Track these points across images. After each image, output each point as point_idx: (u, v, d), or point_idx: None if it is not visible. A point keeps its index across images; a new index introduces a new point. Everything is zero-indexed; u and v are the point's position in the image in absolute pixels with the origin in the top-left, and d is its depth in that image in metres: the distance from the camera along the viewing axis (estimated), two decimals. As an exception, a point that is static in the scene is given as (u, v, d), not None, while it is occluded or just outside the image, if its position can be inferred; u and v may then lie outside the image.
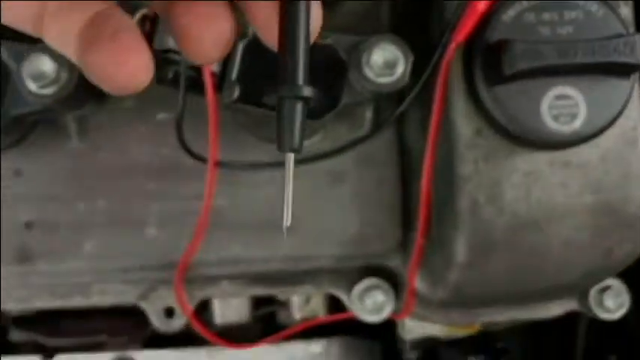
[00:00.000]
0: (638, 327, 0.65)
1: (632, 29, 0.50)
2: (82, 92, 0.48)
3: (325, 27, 0.46)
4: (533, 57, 0.45)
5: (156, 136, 0.52)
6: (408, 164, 0.54)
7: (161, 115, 0.52)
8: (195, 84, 0.45)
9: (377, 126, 0.53)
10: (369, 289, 0.56)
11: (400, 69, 0.45)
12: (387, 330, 0.66)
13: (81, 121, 0.52)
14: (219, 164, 0.48)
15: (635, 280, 0.58)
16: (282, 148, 0.36)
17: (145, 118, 0.52)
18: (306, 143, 0.51)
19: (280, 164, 0.50)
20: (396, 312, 0.57)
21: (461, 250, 0.50)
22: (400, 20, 0.53)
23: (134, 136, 0.52)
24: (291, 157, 0.31)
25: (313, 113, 0.46)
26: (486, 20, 0.47)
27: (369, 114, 0.53)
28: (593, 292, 0.58)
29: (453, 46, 0.47)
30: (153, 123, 0.52)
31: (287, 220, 0.36)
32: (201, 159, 0.48)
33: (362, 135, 0.53)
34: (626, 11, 0.50)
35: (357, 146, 0.52)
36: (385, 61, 0.45)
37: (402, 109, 0.50)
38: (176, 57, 0.44)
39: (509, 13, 0.47)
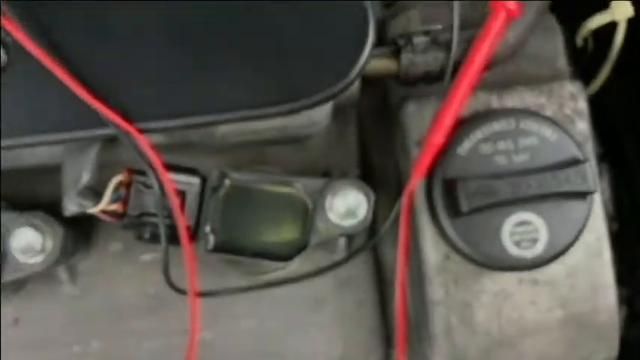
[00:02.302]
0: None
1: (588, 145, 0.51)
2: (69, 250, 0.51)
3: (292, 166, 0.50)
4: (486, 194, 0.47)
5: (141, 277, 0.55)
6: (385, 284, 0.56)
7: (145, 256, 0.55)
8: (173, 237, 0.48)
9: (351, 252, 0.55)
10: (357, 406, 0.58)
11: (362, 213, 0.47)
12: None
13: (71, 268, 0.55)
14: (200, 294, 0.50)
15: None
16: None
17: (131, 259, 0.55)
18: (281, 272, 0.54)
19: (257, 287, 0.53)
20: None
21: (439, 370, 0.52)
22: (366, 150, 0.56)
23: (121, 277, 0.55)
24: None
25: (283, 256, 0.49)
26: (444, 154, 0.49)
27: (342, 241, 0.55)
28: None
29: (413, 181, 0.49)
30: (138, 264, 0.55)
31: None
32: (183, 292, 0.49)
33: (337, 260, 0.55)
34: (582, 126, 0.52)
35: (335, 270, 0.55)
36: (347, 207, 0.47)
37: (372, 242, 0.52)
38: (150, 219, 0.47)
39: (465, 146, 0.49)
